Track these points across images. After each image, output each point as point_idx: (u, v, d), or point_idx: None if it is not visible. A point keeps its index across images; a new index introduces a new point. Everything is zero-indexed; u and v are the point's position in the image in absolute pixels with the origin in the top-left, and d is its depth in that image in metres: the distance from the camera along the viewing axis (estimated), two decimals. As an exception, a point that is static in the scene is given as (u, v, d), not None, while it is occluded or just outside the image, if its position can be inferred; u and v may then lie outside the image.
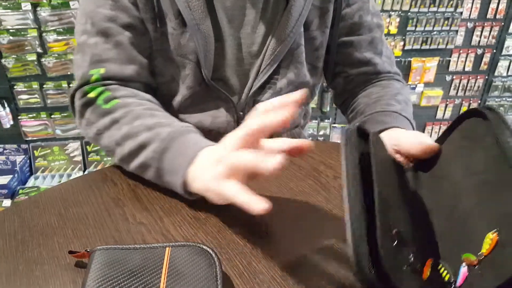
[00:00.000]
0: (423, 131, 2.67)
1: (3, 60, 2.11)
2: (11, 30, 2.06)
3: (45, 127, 2.32)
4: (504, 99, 2.64)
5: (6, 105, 2.21)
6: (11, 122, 2.26)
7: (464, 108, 2.65)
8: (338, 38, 0.79)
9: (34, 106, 2.25)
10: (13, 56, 2.11)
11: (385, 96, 0.75)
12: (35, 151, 2.37)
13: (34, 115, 2.29)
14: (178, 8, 0.67)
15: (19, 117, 2.27)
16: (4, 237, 0.49)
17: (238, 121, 0.80)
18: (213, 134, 0.76)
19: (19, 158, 2.32)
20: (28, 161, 2.38)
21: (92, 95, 0.65)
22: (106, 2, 0.67)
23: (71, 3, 2.03)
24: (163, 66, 0.74)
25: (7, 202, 2.16)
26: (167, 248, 0.41)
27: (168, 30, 0.70)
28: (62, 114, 2.29)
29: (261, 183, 0.58)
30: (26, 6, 2.01)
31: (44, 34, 2.09)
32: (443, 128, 2.68)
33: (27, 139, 2.33)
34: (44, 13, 2.03)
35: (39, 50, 2.12)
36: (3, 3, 2.00)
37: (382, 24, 0.83)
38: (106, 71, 0.66)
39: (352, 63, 0.81)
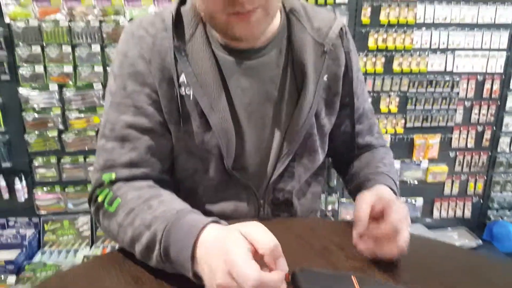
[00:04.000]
0: (432, 207, 2.65)
1: (25, 136, 2.23)
2: (37, 109, 2.22)
3: (57, 200, 2.37)
4: (510, 175, 2.66)
5: (23, 178, 2.29)
6: (26, 196, 2.32)
7: (471, 184, 2.66)
8: (345, 127, 0.90)
9: (50, 180, 2.32)
10: (36, 132, 2.24)
11: (374, 160, 0.89)
12: (45, 225, 2.39)
13: (49, 188, 2.35)
14: (202, 109, 0.74)
15: (34, 191, 2.33)
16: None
17: (259, 209, 0.83)
18: (235, 223, 0.82)
19: (29, 232, 2.33)
20: (37, 235, 2.39)
21: (100, 198, 0.70)
22: (129, 109, 0.73)
23: (94, 84, 2.21)
24: (186, 161, 0.79)
25: (11, 279, 2.12)
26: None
27: (193, 128, 0.76)
28: (76, 188, 2.35)
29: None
30: (54, 87, 2.19)
31: (66, 111, 2.24)
32: (452, 204, 2.67)
33: (39, 212, 2.37)
34: (69, 93, 2.20)
35: (60, 127, 2.25)
36: (33, 85, 2.18)
37: (371, 107, 0.96)
38: (116, 176, 0.71)
39: (357, 147, 0.92)
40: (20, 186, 2.28)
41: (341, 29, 0.80)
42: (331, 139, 0.91)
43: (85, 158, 2.31)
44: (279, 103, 0.79)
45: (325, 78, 0.80)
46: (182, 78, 0.73)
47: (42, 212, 2.37)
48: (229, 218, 0.81)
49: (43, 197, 2.35)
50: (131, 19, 2.14)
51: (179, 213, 0.61)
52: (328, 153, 0.95)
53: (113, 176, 0.71)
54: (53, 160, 2.30)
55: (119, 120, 0.73)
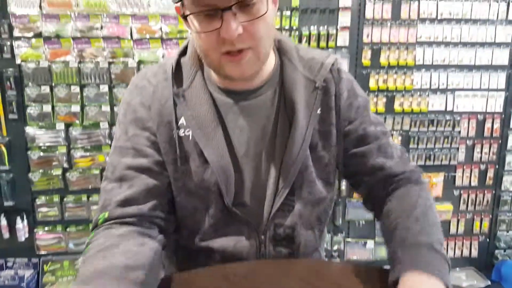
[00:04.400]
0: (439, 247, 2.61)
1: (29, 174, 2.23)
2: (42, 147, 2.23)
3: (58, 240, 2.33)
4: (515, 214, 2.64)
5: (24, 217, 2.27)
6: (27, 236, 2.29)
7: (476, 223, 2.63)
8: (347, 152, 0.88)
9: (51, 219, 2.30)
10: (40, 170, 2.24)
11: (403, 218, 0.77)
12: (44, 266, 2.34)
13: (50, 228, 2.32)
14: (201, 148, 0.78)
15: (35, 230, 2.30)
16: None
17: (260, 245, 0.83)
18: (237, 259, 0.82)
19: (27, 273, 2.28)
20: (36, 276, 2.33)
21: (87, 240, 0.74)
22: (129, 151, 0.79)
23: (101, 124, 2.23)
24: (185, 200, 0.82)
25: (6, 322, 2.06)
26: None
27: (192, 168, 0.80)
28: (78, 228, 2.33)
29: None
30: (60, 126, 2.22)
31: (72, 150, 2.25)
32: (458, 244, 2.63)
33: (39, 252, 2.32)
34: (75, 132, 2.23)
35: (65, 165, 2.26)
36: (40, 124, 2.21)
37: (387, 131, 0.91)
38: (109, 214, 0.75)
39: (368, 171, 0.87)
40: (21, 225, 2.25)
41: (333, 64, 0.85)
42: (346, 168, 0.90)
43: (88, 197, 2.30)
44: (273, 139, 0.83)
45: (318, 111, 0.83)
46: (182, 121, 0.79)
47: (42, 252, 2.33)
48: (231, 254, 0.82)
49: (44, 236, 2.32)
50: (139, 61, 2.20)
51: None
52: (359, 191, 0.94)
53: (106, 214, 0.74)
54: (56, 198, 2.28)
55: (120, 162, 0.78)
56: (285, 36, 0.89)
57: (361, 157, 0.87)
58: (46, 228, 2.31)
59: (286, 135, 0.81)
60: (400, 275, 0.66)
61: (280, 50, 0.86)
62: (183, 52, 0.85)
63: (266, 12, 0.70)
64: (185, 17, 0.71)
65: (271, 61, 0.84)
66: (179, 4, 0.71)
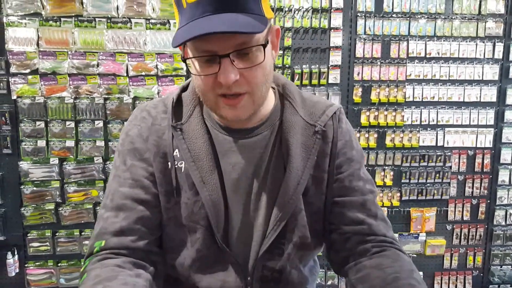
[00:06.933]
0: (432, 281, 2.60)
1: (22, 209, 2.23)
2: (36, 182, 2.24)
3: (49, 275, 2.31)
4: (509, 248, 2.64)
5: (16, 252, 2.25)
6: (17, 270, 2.26)
7: (470, 258, 2.63)
8: (331, 198, 0.86)
9: (43, 254, 2.28)
10: (33, 205, 2.24)
11: (403, 274, 0.74)
12: (34, 302, 2.31)
13: (41, 263, 2.30)
14: (192, 182, 0.79)
15: (26, 265, 2.28)
16: None
17: (246, 286, 0.83)
18: None
19: (16, 310, 2.25)
20: (24, 313, 2.30)
21: (82, 269, 0.75)
22: (127, 181, 0.80)
23: (95, 158, 2.25)
24: (174, 231, 0.83)
25: None
26: None
27: (183, 200, 0.81)
28: (69, 262, 2.31)
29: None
30: (54, 161, 2.23)
31: (65, 185, 2.26)
32: (453, 278, 2.62)
33: (29, 288, 2.30)
34: (69, 167, 2.24)
35: (58, 200, 2.26)
36: (34, 159, 2.22)
37: (375, 191, 0.88)
38: (105, 243, 0.76)
39: (346, 222, 0.84)
40: (12, 260, 2.23)
41: (335, 112, 0.86)
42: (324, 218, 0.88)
43: (80, 232, 2.29)
44: (265, 180, 0.83)
45: (315, 156, 0.83)
46: (176, 153, 0.81)
47: (33, 287, 2.30)
48: None
49: (34, 271, 2.30)
50: (134, 97, 2.24)
51: None
52: (328, 239, 0.89)
53: (103, 243, 0.76)
54: (48, 233, 2.27)
55: (118, 191, 0.80)
56: (290, 81, 0.90)
57: (341, 207, 0.85)
58: (37, 263, 2.30)
59: (280, 176, 0.81)
60: None
61: (283, 93, 0.87)
62: (185, 88, 0.87)
63: (263, 61, 0.71)
64: (185, 60, 0.73)
65: (270, 103, 0.85)
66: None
